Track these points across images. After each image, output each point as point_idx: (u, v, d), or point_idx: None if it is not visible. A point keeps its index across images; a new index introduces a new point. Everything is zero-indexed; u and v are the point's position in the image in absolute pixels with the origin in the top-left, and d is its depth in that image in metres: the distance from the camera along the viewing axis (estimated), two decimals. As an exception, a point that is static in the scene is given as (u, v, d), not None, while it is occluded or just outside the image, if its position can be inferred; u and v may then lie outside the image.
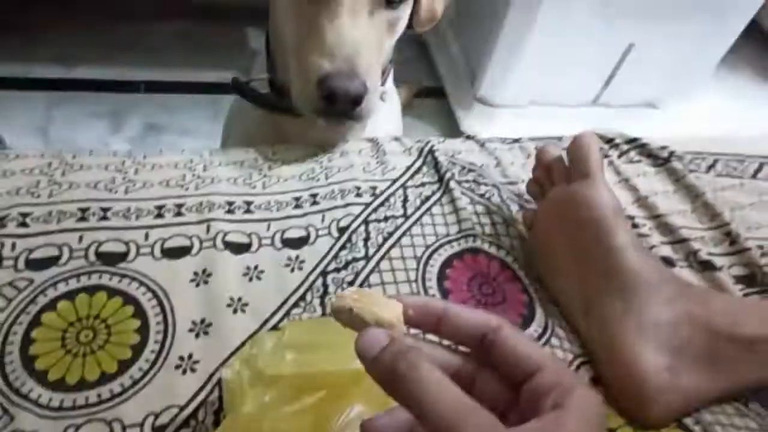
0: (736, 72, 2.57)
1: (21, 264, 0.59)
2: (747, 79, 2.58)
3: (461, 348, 0.39)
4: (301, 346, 0.52)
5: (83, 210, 0.64)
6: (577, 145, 0.66)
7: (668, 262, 0.74)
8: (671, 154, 0.87)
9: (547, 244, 0.67)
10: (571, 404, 0.32)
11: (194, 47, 2.03)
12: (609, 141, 0.90)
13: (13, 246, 0.60)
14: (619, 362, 0.57)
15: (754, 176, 0.88)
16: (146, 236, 0.64)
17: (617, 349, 0.57)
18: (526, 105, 1.91)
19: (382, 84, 0.82)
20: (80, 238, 0.62)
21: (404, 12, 0.79)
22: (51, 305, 0.57)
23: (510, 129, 1.89)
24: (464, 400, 0.31)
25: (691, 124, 2.09)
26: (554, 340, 0.62)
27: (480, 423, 0.30)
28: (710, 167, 0.88)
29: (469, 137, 0.87)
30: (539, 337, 0.62)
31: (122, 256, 0.61)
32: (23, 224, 0.61)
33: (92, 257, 0.61)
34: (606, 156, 0.88)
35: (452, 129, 1.98)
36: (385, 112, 0.86)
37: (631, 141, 0.90)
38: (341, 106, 0.70)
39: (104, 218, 0.64)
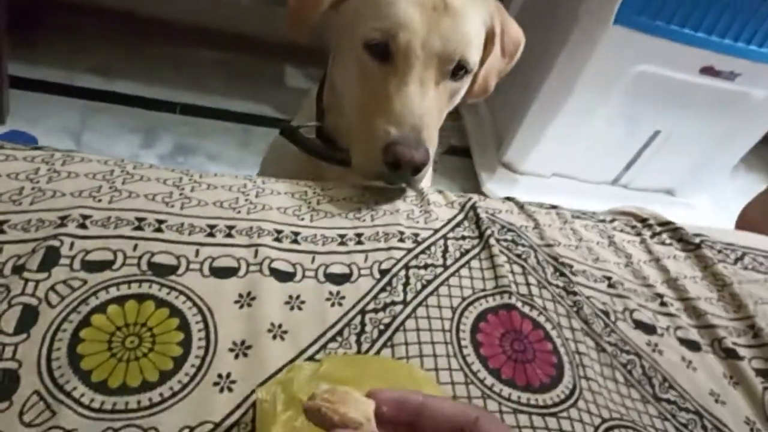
0: (751, 170, 2.63)
1: (77, 264, 0.60)
2: (761, 179, 2.63)
3: None
4: (336, 379, 0.53)
5: (140, 219, 0.66)
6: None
7: (695, 345, 0.75)
8: (702, 241, 0.89)
9: None
10: None
11: (232, 77, 2.09)
12: (643, 221, 0.93)
13: (71, 245, 0.61)
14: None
15: (778, 274, 0.90)
16: (197, 253, 0.65)
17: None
18: (549, 176, 1.95)
19: None
20: (135, 247, 0.63)
21: (465, 83, 0.83)
22: (101, 308, 0.58)
23: (530, 197, 1.93)
24: None
25: (703, 215, 2.13)
26: (581, 403, 0.64)
27: None
28: (738, 259, 0.90)
29: (508, 198, 0.90)
30: (566, 398, 0.64)
31: (172, 269, 0.63)
32: (83, 225, 0.63)
33: (144, 266, 0.62)
34: (638, 234, 0.90)
35: (474, 189, 2.01)
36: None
37: (665, 224, 0.92)
38: (403, 172, 0.74)
39: (159, 230, 0.66)
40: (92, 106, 1.79)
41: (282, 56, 2.14)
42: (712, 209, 2.15)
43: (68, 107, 1.76)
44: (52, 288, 0.58)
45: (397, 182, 0.79)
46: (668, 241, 0.90)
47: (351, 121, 0.82)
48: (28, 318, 0.55)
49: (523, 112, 1.82)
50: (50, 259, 0.59)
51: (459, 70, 0.81)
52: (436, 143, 0.80)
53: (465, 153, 2.11)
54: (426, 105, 0.76)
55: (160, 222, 0.67)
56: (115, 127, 1.76)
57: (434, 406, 0.39)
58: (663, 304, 0.79)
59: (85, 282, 0.59)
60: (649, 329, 0.76)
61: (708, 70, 1.66)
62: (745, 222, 1.02)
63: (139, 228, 0.65)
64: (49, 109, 1.73)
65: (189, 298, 0.61)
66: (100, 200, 0.66)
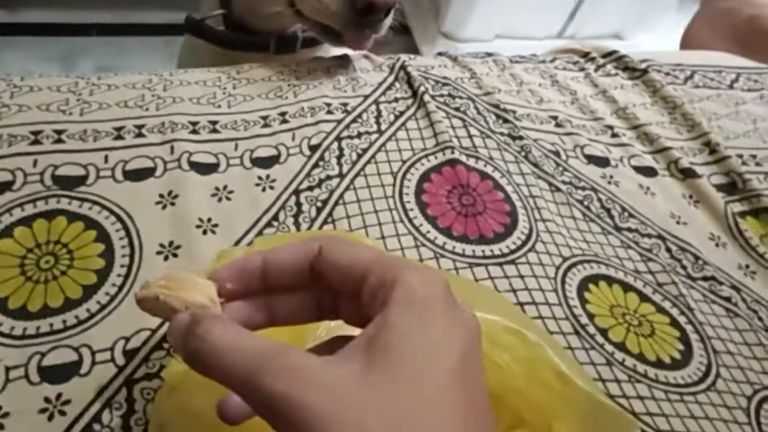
0: (697, 1, 2.56)
1: (-29, 190, 0.54)
2: (710, 10, 2.57)
3: None
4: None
5: (35, 133, 0.60)
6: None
7: (651, 171, 0.72)
8: (649, 66, 0.85)
9: None
10: (394, 297, 0.28)
11: (145, -13, 1.94)
12: (585, 55, 0.88)
13: (-38, 172, 0.55)
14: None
15: (730, 86, 0.87)
16: (106, 159, 0.59)
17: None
18: (492, 39, 1.87)
19: None
20: (34, 162, 0.57)
21: None
22: (7, 232, 0.53)
23: (477, 63, 1.87)
24: (264, 347, 0.27)
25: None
26: (539, 246, 0.61)
27: (287, 364, 0.26)
28: (688, 78, 0.87)
29: (440, 53, 0.84)
30: (523, 244, 0.61)
31: (81, 180, 0.57)
32: (-30, 148, 0.57)
33: (48, 181, 0.56)
34: (582, 69, 0.85)
35: (418, 65, 1.94)
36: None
37: (608, 54, 0.87)
38: (377, 16, 0.66)
39: (59, 141, 0.60)
40: (0, 41, 1.66)
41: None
42: (661, 47, 2.10)
43: (-27, 47, 1.63)
44: (-52, 220, 0.52)
45: (367, 30, 0.70)
46: (613, 71, 0.86)
47: None
48: (-74, 256, 0.50)
49: (456, -25, 1.73)
50: (-60, 189, 0.54)
51: None
52: None
53: (403, 29, 2.02)
54: None
55: (59, 132, 0.61)
56: (28, 61, 1.64)
57: (275, 258, 0.35)
58: (614, 135, 0.76)
59: (-17, 208, 0.54)
60: (602, 162, 0.73)
61: None
62: (690, 42, 0.98)
63: (36, 142, 0.59)
64: (-47, 52, 1.60)
65: (104, 207, 0.56)
66: (-14, 120, 0.60)
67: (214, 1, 0.88)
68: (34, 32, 1.71)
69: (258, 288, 0.35)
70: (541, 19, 1.88)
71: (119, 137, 0.62)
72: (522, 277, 0.58)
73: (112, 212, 0.56)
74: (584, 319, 0.57)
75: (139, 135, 0.62)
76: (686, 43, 1.02)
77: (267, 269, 0.34)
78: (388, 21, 0.70)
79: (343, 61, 0.77)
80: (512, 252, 0.60)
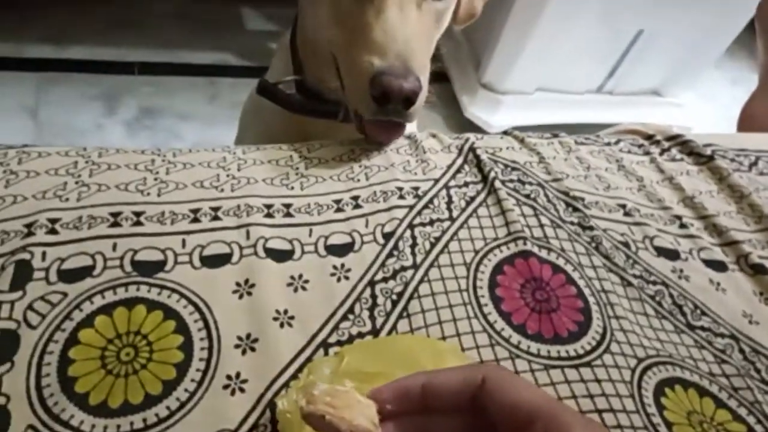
0: (735, 59, 2.56)
1: (53, 275, 0.54)
2: (745, 67, 2.57)
3: None
4: (362, 374, 0.49)
5: (115, 215, 0.60)
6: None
7: (721, 265, 0.71)
8: (714, 151, 0.84)
9: None
10: None
11: (189, 27, 1.97)
12: (649, 137, 0.87)
13: (44, 256, 0.55)
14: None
15: (795, 174, 0.86)
16: (183, 243, 0.59)
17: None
18: (532, 92, 1.88)
19: None
20: (114, 246, 0.57)
21: (451, 3, 0.76)
22: (88, 321, 0.52)
23: (515, 115, 1.87)
24: None
25: (692, 111, 2.08)
26: (614, 346, 0.60)
27: None
28: (752, 165, 0.86)
29: (506, 132, 0.84)
30: (598, 345, 0.60)
31: (160, 265, 0.57)
32: (52, 231, 0.57)
33: (128, 267, 0.56)
34: (647, 153, 0.85)
35: (456, 115, 1.94)
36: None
37: (673, 138, 0.87)
38: (394, 105, 0.67)
39: (138, 223, 0.60)
40: (47, 77, 1.68)
41: (237, -1, 2.02)
42: (700, 104, 2.10)
43: (21, 82, 1.65)
44: (30, 307, 0.52)
45: (393, 119, 0.71)
46: (678, 156, 0.85)
47: (340, 66, 0.75)
48: (9, 344, 0.50)
49: (499, 28, 1.73)
50: (22, 274, 0.53)
51: None
52: (428, 72, 0.73)
53: (443, 78, 2.03)
54: (410, 30, 0.69)
55: (138, 214, 0.60)
56: (74, 98, 1.66)
57: (437, 385, 0.37)
58: (683, 225, 0.75)
59: (65, 295, 0.53)
60: (672, 255, 0.72)
61: (689, -39, 1.58)
62: (748, 120, 0.97)
63: (116, 224, 0.59)
64: (1, 87, 1.62)
65: (183, 296, 0.56)
66: (67, 199, 0.60)
67: (286, 66, 0.89)
68: (79, 69, 1.73)
69: (414, 408, 0.37)
70: (582, 74, 1.88)
71: (196, 220, 0.62)
72: (599, 381, 0.57)
73: (190, 301, 0.55)
74: (663, 429, 0.56)
75: (216, 218, 0.62)
76: (744, 120, 1.01)
77: (428, 393, 0.36)
78: (416, 110, 0.70)
79: (411, 140, 0.77)
80: (587, 353, 0.59)
